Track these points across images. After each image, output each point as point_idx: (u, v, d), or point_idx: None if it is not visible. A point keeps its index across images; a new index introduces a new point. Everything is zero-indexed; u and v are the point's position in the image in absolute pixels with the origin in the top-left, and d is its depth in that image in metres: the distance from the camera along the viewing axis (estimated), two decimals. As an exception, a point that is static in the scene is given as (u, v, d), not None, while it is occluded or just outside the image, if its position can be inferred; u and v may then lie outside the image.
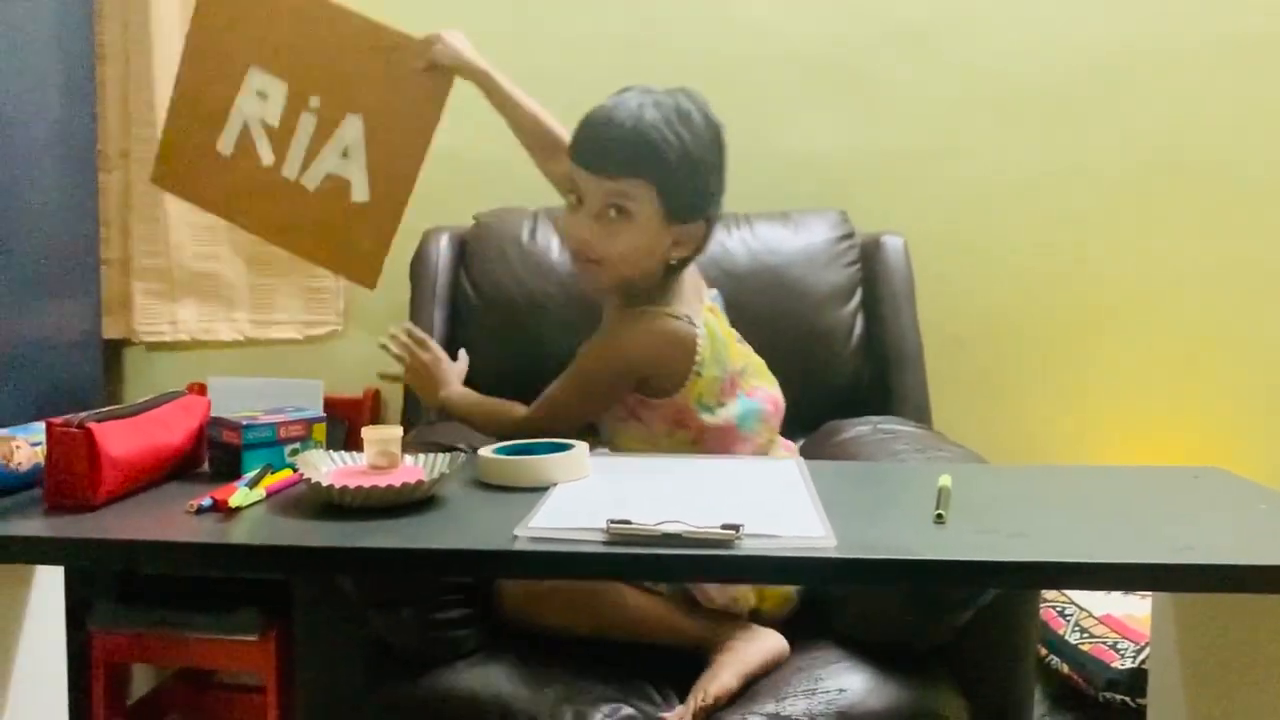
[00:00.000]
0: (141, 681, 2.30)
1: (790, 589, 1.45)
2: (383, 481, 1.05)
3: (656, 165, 1.38)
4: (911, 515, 1.05)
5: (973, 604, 1.32)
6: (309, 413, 1.25)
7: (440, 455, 1.15)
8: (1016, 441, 2.16)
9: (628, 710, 1.30)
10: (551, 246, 1.97)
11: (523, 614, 1.42)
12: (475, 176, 2.08)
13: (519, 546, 0.95)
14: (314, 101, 1.58)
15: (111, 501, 1.06)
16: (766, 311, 1.63)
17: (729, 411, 1.46)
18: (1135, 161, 2.15)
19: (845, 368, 1.93)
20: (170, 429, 1.15)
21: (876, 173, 2.17)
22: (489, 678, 1.33)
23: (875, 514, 1.11)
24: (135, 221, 2.23)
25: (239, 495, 1.05)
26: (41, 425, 1.07)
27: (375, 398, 2.24)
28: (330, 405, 2.09)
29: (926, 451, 1.55)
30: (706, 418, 1.44)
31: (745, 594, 1.41)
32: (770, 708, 1.28)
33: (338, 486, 1.04)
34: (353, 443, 2.01)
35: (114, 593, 2.07)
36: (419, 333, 1.60)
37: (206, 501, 1.04)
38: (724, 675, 1.30)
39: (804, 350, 1.87)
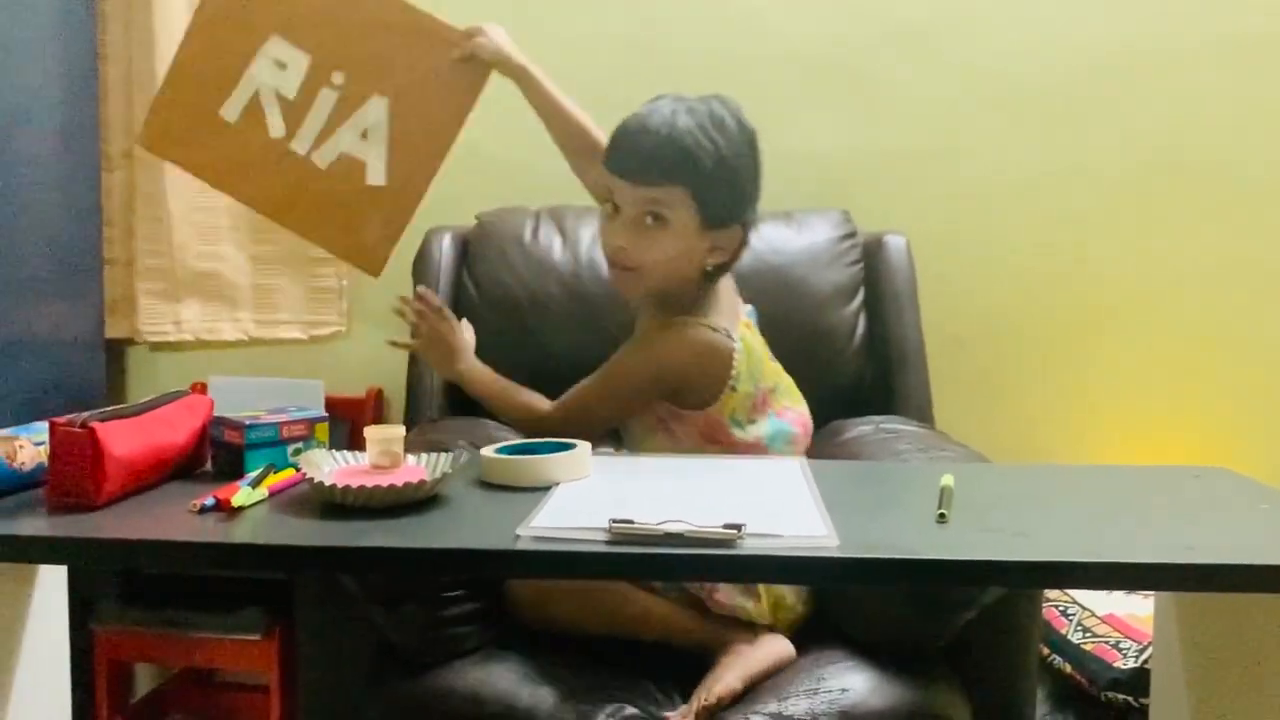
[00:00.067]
0: (144, 681, 2.30)
1: (800, 606, 1.44)
2: (385, 481, 1.05)
3: (692, 172, 1.38)
4: (914, 515, 1.05)
5: (975, 604, 1.32)
6: (311, 412, 1.25)
7: (442, 455, 1.15)
8: (1018, 441, 2.15)
9: (631, 710, 1.30)
10: (554, 246, 1.97)
11: (532, 611, 1.42)
12: (478, 176, 2.08)
13: (521, 546, 0.96)
14: (337, 78, 1.52)
15: (114, 501, 1.06)
16: (769, 311, 1.63)
17: (759, 429, 1.46)
18: (1136, 161, 2.15)
19: (847, 367, 1.93)
20: (173, 428, 1.16)
21: (878, 172, 2.17)
22: (492, 676, 1.33)
23: (877, 513, 1.11)
24: (139, 221, 2.23)
25: (242, 495, 1.05)
26: (45, 425, 1.08)
27: (378, 397, 2.25)
28: (333, 405, 2.09)
29: (929, 451, 1.55)
30: (737, 433, 1.44)
31: (761, 612, 1.40)
32: (773, 707, 1.28)
33: (340, 486, 1.04)
34: (355, 442, 2.02)
35: (117, 592, 2.07)
36: (435, 299, 1.56)
37: (209, 501, 1.04)
38: (728, 676, 1.30)
39: (806, 350, 1.86)
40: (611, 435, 1.57)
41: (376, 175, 1.54)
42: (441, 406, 1.94)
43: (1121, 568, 0.93)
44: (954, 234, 2.17)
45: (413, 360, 1.97)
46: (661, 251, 1.42)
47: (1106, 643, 1.71)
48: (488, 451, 1.20)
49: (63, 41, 2.00)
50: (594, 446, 1.24)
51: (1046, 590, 1.72)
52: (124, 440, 1.06)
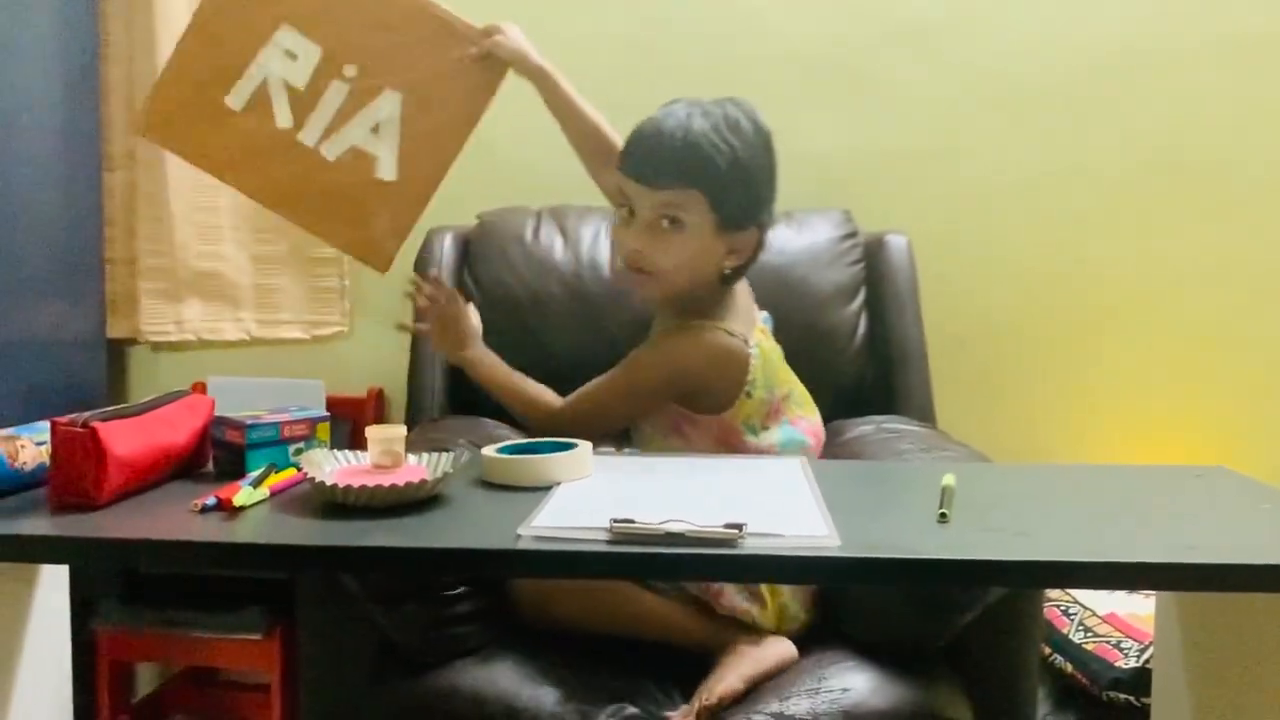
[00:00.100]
0: (146, 680, 2.30)
1: (804, 614, 1.43)
2: (386, 481, 1.05)
3: (707, 174, 1.38)
4: (915, 514, 1.05)
5: (977, 604, 1.32)
6: (313, 412, 1.24)
7: (443, 454, 1.15)
8: (1020, 440, 2.15)
9: (632, 709, 1.30)
10: (555, 246, 1.97)
11: (534, 610, 1.42)
12: (479, 175, 2.08)
13: (522, 546, 0.96)
14: (349, 71, 1.50)
15: (116, 501, 1.06)
16: (770, 311, 1.63)
17: (772, 436, 1.46)
18: (1137, 161, 2.15)
19: (849, 367, 1.93)
20: (175, 428, 1.16)
21: (879, 172, 2.17)
22: (493, 676, 1.33)
23: (879, 513, 1.11)
24: (140, 221, 2.23)
25: (243, 494, 1.05)
26: (46, 424, 1.08)
27: (379, 397, 2.25)
28: (334, 405, 2.09)
29: (931, 451, 1.55)
30: (751, 440, 1.44)
31: (767, 618, 1.39)
32: (774, 707, 1.28)
33: (341, 485, 1.04)
34: (357, 442, 2.02)
35: (118, 592, 2.08)
36: (446, 285, 1.55)
37: (211, 500, 1.04)
38: (730, 677, 1.30)
39: (807, 350, 1.86)
40: (613, 435, 1.57)
41: (387, 170, 1.52)
42: (442, 406, 1.94)
43: (1123, 567, 0.93)
44: (955, 234, 2.17)
45: (414, 360, 1.98)
46: (678, 255, 1.42)
47: (1108, 642, 1.71)
48: (489, 451, 1.20)
49: (64, 41, 2.00)
50: (595, 446, 1.24)
51: (1048, 590, 1.72)
52: (125, 440, 1.06)
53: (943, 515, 1.02)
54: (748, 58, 2.15)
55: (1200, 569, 0.93)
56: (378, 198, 1.53)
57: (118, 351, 2.28)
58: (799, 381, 1.55)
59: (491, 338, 1.68)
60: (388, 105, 1.51)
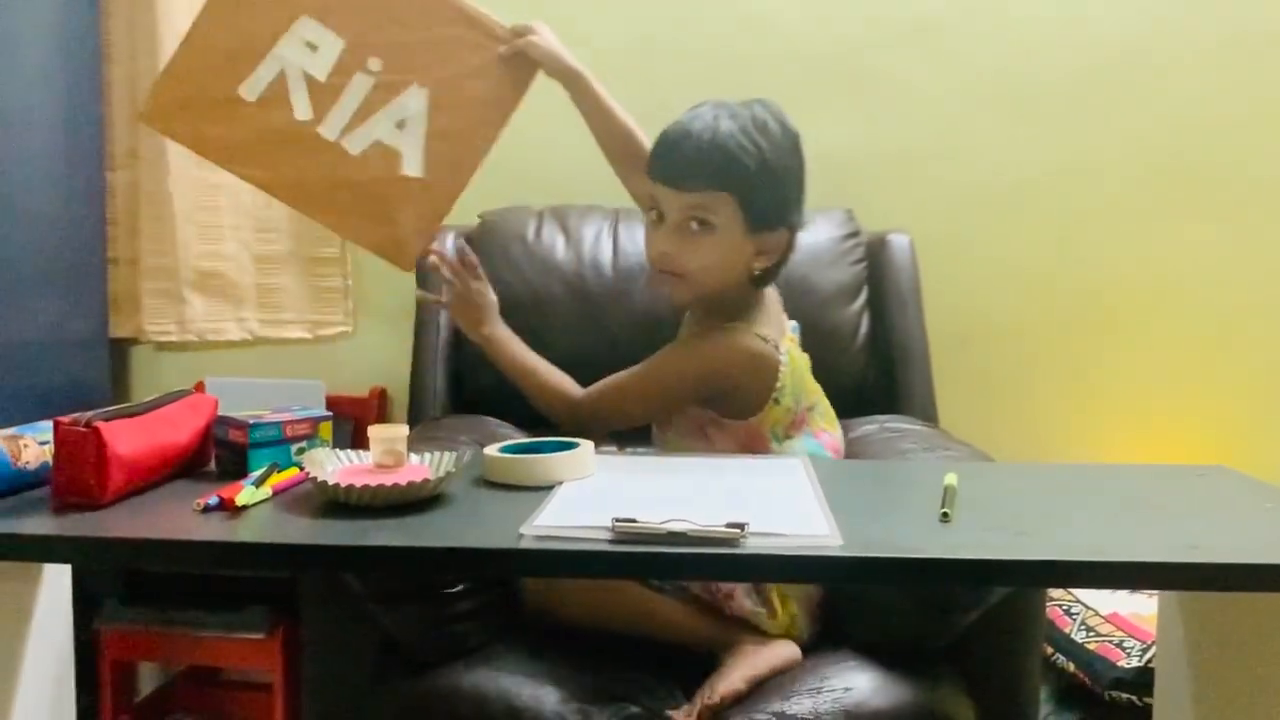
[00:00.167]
0: (149, 679, 2.30)
1: (811, 625, 1.43)
2: (389, 480, 1.06)
3: (736, 176, 1.38)
4: (917, 514, 1.05)
5: (979, 604, 1.32)
6: (315, 411, 1.25)
7: (446, 454, 1.15)
8: (1022, 440, 2.15)
9: (634, 708, 1.30)
10: (557, 246, 1.97)
11: (543, 607, 1.42)
12: (481, 175, 2.08)
13: (525, 545, 0.96)
14: (373, 64, 1.46)
15: (119, 500, 1.06)
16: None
17: (794, 446, 1.45)
18: (1139, 161, 2.15)
19: (851, 366, 1.93)
20: (177, 428, 1.16)
21: (882, 171, 2.17)
22: (495, 675, 1.33)
23: (881, 512, 1.11)
24: (143, 221, 2.23)
25: (245, 494, 1.05)
26: (49, 424, 1.08)
27: (381, 396, 2.25)
28: (336, 404, 2.10)
29: (933, 450, 1.55)
30: (775, 447, 1.43)
31: (776, 625, 1.39)
32: (776, 706, 1.28)
33: (344, 485, 1.04)
34: (359, 441, 2.02)
35: (121, 591, 2.08)
36: (471, 256, 1.52)
37: (213, 500, 1.04)
38: (732, 676, 1.30)
39: (809, 349, 1.86)
40: (614, 435, 1.57)
41: (413, 167, 1.49)
42: (445, 406, 1.94)
43: (1125, 567, 0.93)
44: (957, 233, 2.17)
45: (416, 360, 1.98)
46: (707, 257, 1.41)
47: (1110, 642, 1.71)
48: (491, 450, 1.20)
49: (66, 41, 2.01)
50: (596, 446, 1.24)
51: (1050, 589, 1.72)
52: (128, 439, 1.06)
53: (945, 515, 1.02)
54: (750, 57, 2.15)
55: (1202, 568, 0.92)
56: (403, 195, 1.49)
57: (120, 351, 2.28)
58: (824, 395, 1.54)
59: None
60: (414, 101, 1.48)
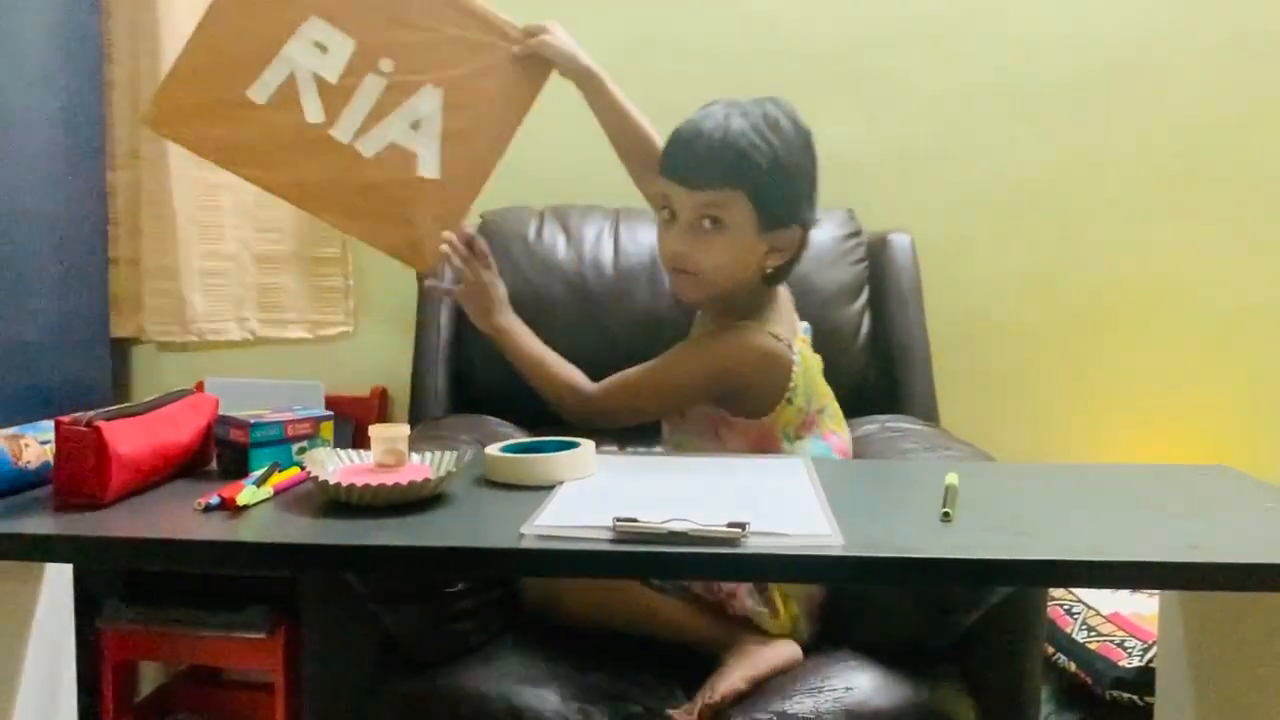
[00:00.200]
0: (150, 679, 2.31)
1: (812, 627, 1.43)
2: (390, 479, 1.06)
3: (748, 174, 1.37)
4: (918, 513, 1.05)
5: (980, 603, 1.32)
6: (316, 411, 1.25)
7: (447, 453, 1.15)
8: (1024, 439, 2.16)
9: (634, 707, 1.30)
10: (558, 245, 1.97)
11: (545, 606, 1.42)
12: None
13: (526, 544, 0.96)
14: (385, 65, 1.45)
15: (120, 499, 1.06)
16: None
17: (804, 447, 1.45)
18: (1141, 160, 2.15)
19: (852, 366, 1.93)
20: (178, 427, 1.16)
21: (883, 171, 2.17)
22: (496, 674, 1.33)
23: (882, 512, 1.11)
24: (144, 220, 2.23)
25: (246, 493, 1.05)
26: (50, 423, 1.08)
27: (382, 396, 2.25)
28: (337, 404, 2.10)
29: (934, 450, 1.55)
30: (786, 448, 1.43)
31: (779, 626, 1.38)
32: (777, 705, 1.28)
33: (345, 484, 1.04)
34: (360, 441, 2.02)
35: (122, 590, 2.08)
36: (482, 244, 1.51)
37: (214, 499, 1.04)
38: (733, 676, 1.30)
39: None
40: (614, 434, 1.57)
41: (429, 168, 1.48)
42: (446, 405, 1.94)
43: (1126, 566, 0.93)
44: (958, 233, 2.17)
45: (417, 359, 1.98)
46: (720, 255, 1.41)
47: (1111, 641, 1.71)
48: (492, 450, 1.20)
49: (67, 41, 2.01)
50: (597, 446, 1.24)
51: (1051, 589, 1.72)
52: (129, 439, 1.06)
53: (946, 514, 1.02)
54: (752, 55, 2.15)
55: (1202, 568, 0.92)
56: (419, 196, 1.48)
57: (122, 351, 2.28)
58: (834, 398, 1.54)
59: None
60: (428, 101, 1.47)
